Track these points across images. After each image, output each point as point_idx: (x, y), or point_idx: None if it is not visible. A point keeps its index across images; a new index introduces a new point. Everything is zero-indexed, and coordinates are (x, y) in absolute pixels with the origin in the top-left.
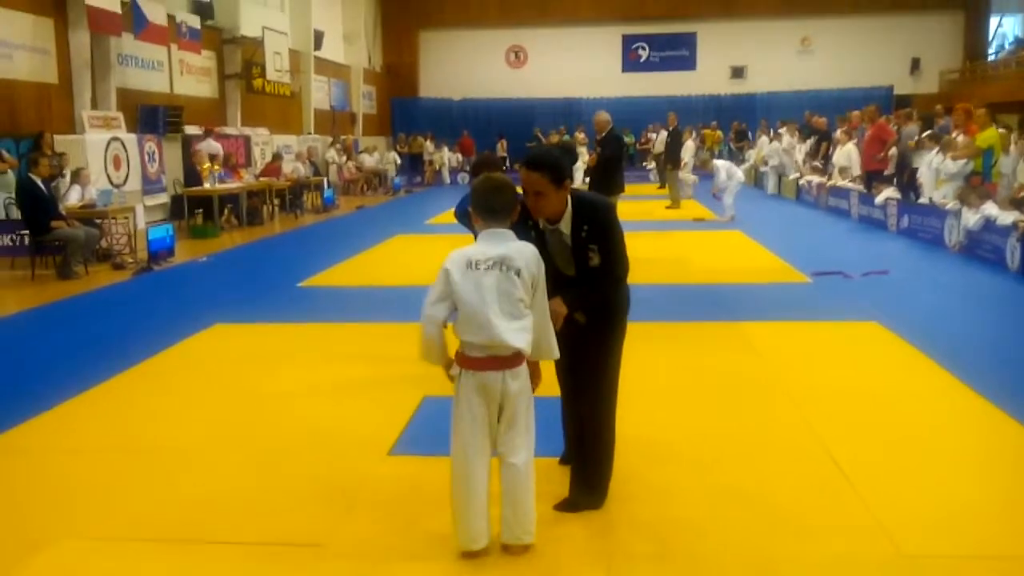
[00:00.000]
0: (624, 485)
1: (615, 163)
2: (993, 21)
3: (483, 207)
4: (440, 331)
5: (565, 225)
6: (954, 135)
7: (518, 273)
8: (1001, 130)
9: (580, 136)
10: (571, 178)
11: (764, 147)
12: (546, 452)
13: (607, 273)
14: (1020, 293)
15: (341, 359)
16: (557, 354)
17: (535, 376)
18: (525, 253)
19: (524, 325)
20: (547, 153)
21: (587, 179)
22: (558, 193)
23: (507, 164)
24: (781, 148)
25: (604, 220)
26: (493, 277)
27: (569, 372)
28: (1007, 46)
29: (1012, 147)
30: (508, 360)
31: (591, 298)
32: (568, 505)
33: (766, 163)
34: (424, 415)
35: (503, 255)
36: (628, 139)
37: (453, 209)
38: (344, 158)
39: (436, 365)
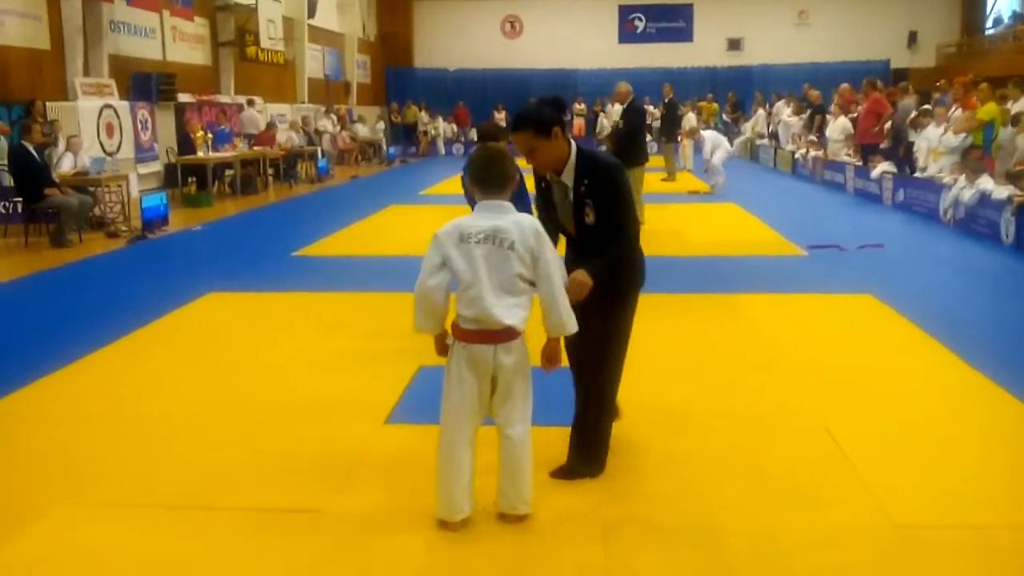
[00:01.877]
0: (622, 454)
1: (637, 133)
2: None
3: (478, 178)
4: (444, 298)
5: (568, 177)
6: (953, 109)
7: (511, 246)
8: (1005, 106)
9: (579, 107)
10: (561, 125)
11: (760, 121)
12: (545, 421)
13: (603, 232)
14: (1014, 267)
15: (336, 328)
16: (574, 327)
17: (554, 355)
18: (522, 225)
19: (519, 301)
20: (525, 110)
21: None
22: (550, 143)
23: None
24: (781, 122)
25: (604, 177)
26: (485, 250)
27: (577, 341)
28: (1005, 20)
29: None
30: (499, 335)
31: (609, 265)
32: (565, 472)
33: (762, 136)
34: (420, 384)
35: (496, 227)
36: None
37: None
38: (338, 128)
39: (430, 334)
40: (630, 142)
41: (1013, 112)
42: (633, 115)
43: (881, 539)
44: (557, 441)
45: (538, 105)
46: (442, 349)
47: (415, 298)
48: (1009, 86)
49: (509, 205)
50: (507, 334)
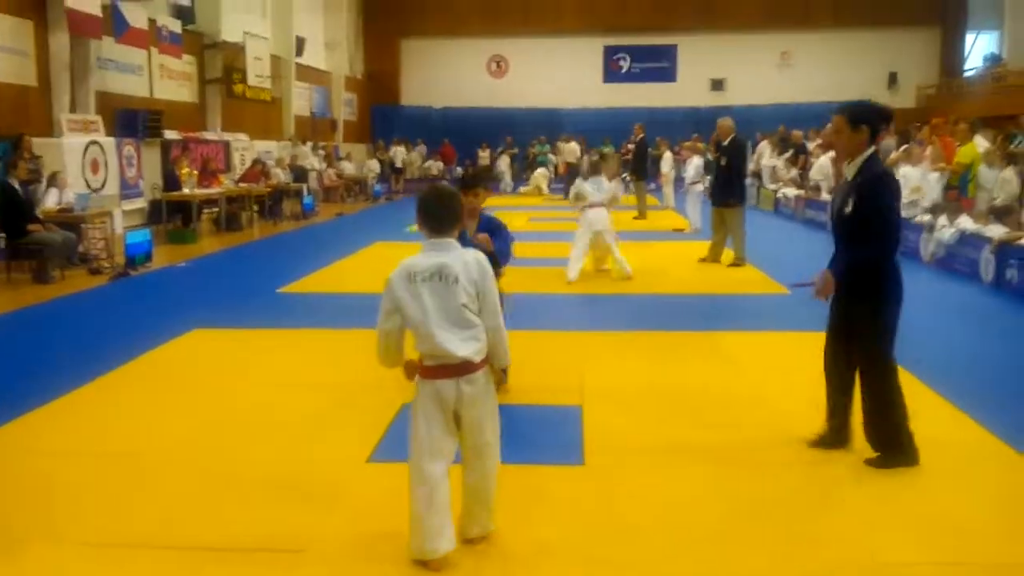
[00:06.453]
0: (602, 489)
1: (738, 171)
2: (969, 38)
3: (428, 217)
4: (396, 341)
5: (851, 170)
6: (927, 150)
7: (455, 280)
8: (985, 146)
9: (563, 146)
10: (871, 128)
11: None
12: (534, 459)
13: (854, 226)
14: (994, 306)
15: (320, 365)
16: (509, 361)
17: (497, 382)
18: (466, 260)
19: (473, 334)
20: (860, 102)
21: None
22: (852, 134)
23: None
24: (763, 164)
25: (875, 181)
26: (431, 287)
27: (839, 350)
28: (990, 56)
29: (995, 162)
30: (458, 368)
31: (852, 265)
32: (882, 462)
33: (745, 176)
34: (402, 422)
35: (441, 264)
36: (607, 149)
37: None
38: (324, 165)
39: (394, 368)
40: (728, 180)
41: (982, 152)
42: (738, 151)
43: None
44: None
45: (869, 105)
46: (411, 373)
47: (376, 341)
48: (961, 126)
49: (455, 243)
50: (466, 367)
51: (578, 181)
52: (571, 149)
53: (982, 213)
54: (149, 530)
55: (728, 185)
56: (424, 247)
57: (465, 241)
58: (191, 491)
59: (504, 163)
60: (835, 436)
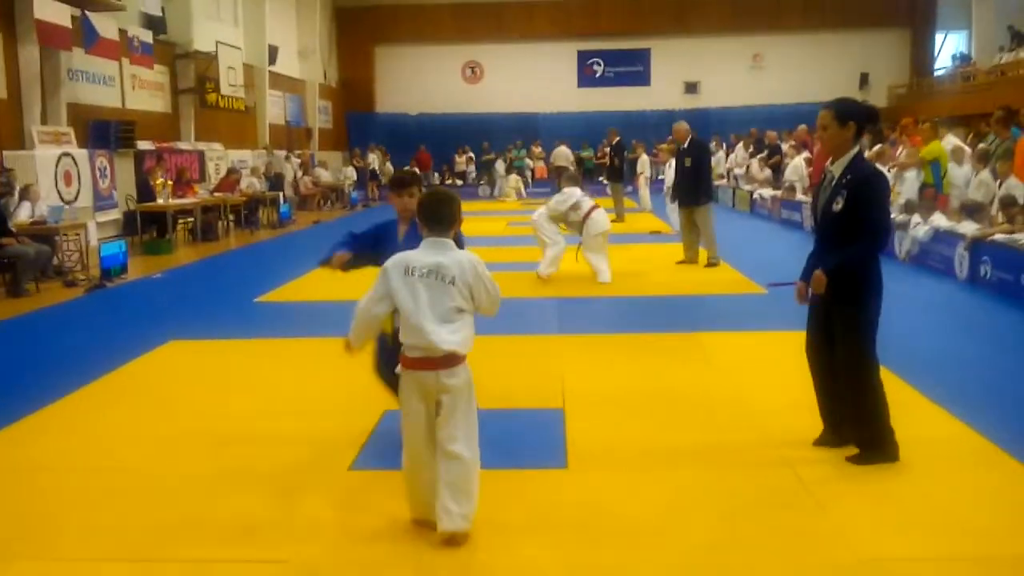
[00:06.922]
0: (586, 491)
1: (702, 171)
2: (938, 38)
3: (427, 217)
4: (377, 325)
5: (838, 168)
6: (900, 151)
7: (452, 282)
8: (954, 143)
9: (537, 151)
10: (857, 126)
11: (720, 162)
12: (517, 463)
13: (843, 226)
14: (969, 302)
15: (299, 374)
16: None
17: None
18: (461, 262)
19: (457, 327)
20: (846, 99)
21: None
22: (837, 132)
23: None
24: (736, 163)
25: (867, 180)
26: (427, 283)
27: (823, 348)
28: (958, 56)
29: (965, 160)
30: (441, 361)
31: (845, 262)
32: (861, 459)
33: (722, 176)
34: (384, 429)
35: (438, 263)
36: (586, 153)
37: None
38: (300, 173)
39: (352, 344)
40: (694, 179)
41: (950, 149)
42: (700, 151)
43: (845, 574)
44: (522, 482)
45: (856, 102)
46: (349, 350)
47: (356, 315)
48: (925, 125)
49: (451, 243)
50: (449, 360)
51: (566, 192)
52: (563, 153)
53: (955, 210)
54: (130, 544)
55: (694, 186)
56: (422, 244)
57: (394, 244)
58: (172, 504)
59: (501, 167)
60: (832, 435)
